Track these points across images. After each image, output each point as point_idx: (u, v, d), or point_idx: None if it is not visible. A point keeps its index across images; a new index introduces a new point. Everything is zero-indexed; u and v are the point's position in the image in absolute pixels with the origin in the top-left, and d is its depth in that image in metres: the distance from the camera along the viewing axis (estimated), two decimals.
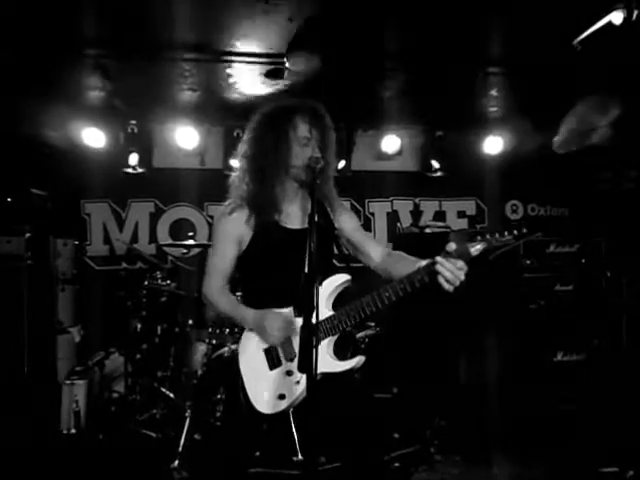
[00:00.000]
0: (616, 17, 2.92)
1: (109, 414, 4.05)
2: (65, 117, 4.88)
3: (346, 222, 2.18)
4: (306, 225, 1.76)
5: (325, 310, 1.96)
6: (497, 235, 1.79)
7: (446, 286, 1.77)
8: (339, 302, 1.99)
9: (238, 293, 2.31)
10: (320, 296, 1.84)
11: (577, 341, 4.41)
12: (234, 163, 5.04)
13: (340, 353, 1.96)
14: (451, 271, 1.74)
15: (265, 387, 1.96)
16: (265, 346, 2.00)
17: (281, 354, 1.97)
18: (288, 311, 1.99)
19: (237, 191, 2.09)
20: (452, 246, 1.77)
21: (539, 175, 5.67)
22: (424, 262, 1.84)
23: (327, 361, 1.90)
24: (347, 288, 2.02)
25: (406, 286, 1.80)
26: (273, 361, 1.98)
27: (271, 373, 1.97)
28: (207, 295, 2.15)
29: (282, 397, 1.92)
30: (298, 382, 1.91)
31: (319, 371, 1.58)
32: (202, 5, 3.46)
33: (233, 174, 2.15)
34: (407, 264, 1.92)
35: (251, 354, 2.02)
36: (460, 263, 1.76)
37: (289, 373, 1.94)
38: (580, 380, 4.36)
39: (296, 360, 1.87)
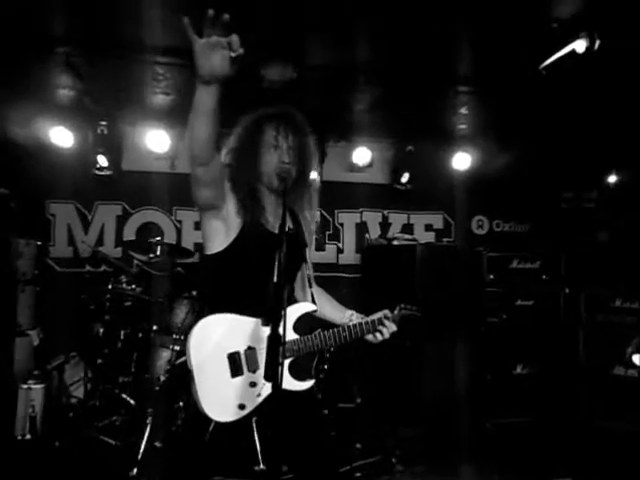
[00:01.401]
0: (579, 45, 3.04)
1: (67, 420, 3.95)
2: (33, 115, 4.78)
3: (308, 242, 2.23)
4: (276, 231, 1.78)
5: (290, 332, 2.00)
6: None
7: (373, 341, 2.14)
8: (301, 326, 2.05)
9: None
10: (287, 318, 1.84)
11: (536, 354, 4.54)
12: None
13: (296, 373, 1.99)
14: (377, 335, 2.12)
15: (222, 394, 1.90)
16: (229, 351, 1.93)
17: (244, 364, 1.93)
18: (256, 321, 1.96)
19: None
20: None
21: (505, 192, 5.82)
22: (349, 312, 2.22)
23: (285, 378, 1.89)
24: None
25: (359, 334, 2.10)
26: (236, 368, 1.92)
27: (233, 380, 1.92)
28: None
29: (242, 407, 1.90)
30: (259, 395, 1.92)
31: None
32: (176, 8, 3.46)
33: None
34: (334, 310, 2.25)
35: (210, 358, 1.92)
36: (391, 326, 2.12)
37: (252, 384, 1.92)
38: (537, 392, 4.48)
39: (259, 372, 1.89)
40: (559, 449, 3.98)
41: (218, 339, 1.95)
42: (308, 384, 2.00)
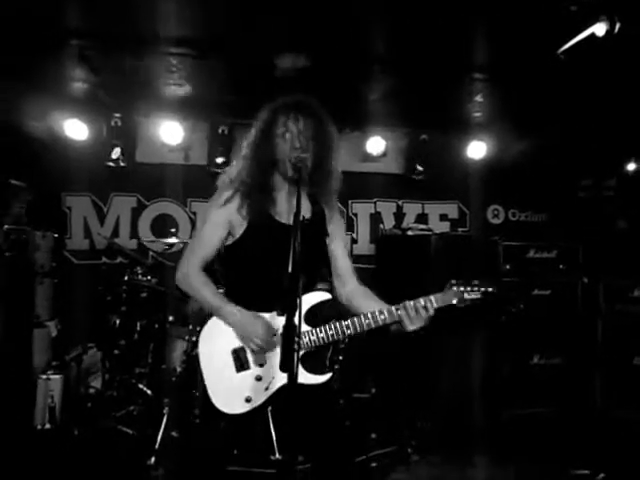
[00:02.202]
0: (599, 29, 2.97)
1: (85, 410, 3.99)
2: (48, 108, 4.81)
3: (335, 237, 2.19)
4: (290, 222, 1.79)
5: (302, 324, 1.96)
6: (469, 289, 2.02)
7: (409, 328, 1.96)
8: (314, 316, 1.99)
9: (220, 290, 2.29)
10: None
11: (553, 345, 4.49)
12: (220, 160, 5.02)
13: (311, 367, 1.96)
14: (413, 314, 1.96)
15: (229, 388, 1.94)
16: (234, 347, 1.97)
17: (250, 358, 1.96)
18: (270, 316, 1.98)
19: (232, 184, 2.08)
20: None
21: (521, 181, 5.75)
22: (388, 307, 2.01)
23: (300, 373, 1.90)
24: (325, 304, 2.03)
25: (385, 321, 1.96)
26: (241, 363, 1.96)
27: (238, 375, 1.95)
28: (182, 277, 2.04)
29: (248, 400, 1.92)
30: (267, 388, 1.93)
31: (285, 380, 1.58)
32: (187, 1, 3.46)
33: (229, 170, 2.15)
34: (372, 304, 2.07)
35: (216, 352, 1.98)
36: (429, 313, 1.97)
37: (258, 378, 1.94)
38: (555, 383, 4.43)
39: (266, 366, 1.93)
40: (577, 440, 3.95)
41: (225, 334, 1.99)
42: (323, 378, 1.97)
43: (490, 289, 2.04)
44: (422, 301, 1.97)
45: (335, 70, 4.27)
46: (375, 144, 5.39)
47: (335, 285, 2.18)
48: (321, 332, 1.96)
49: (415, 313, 1.94)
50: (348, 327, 1.96)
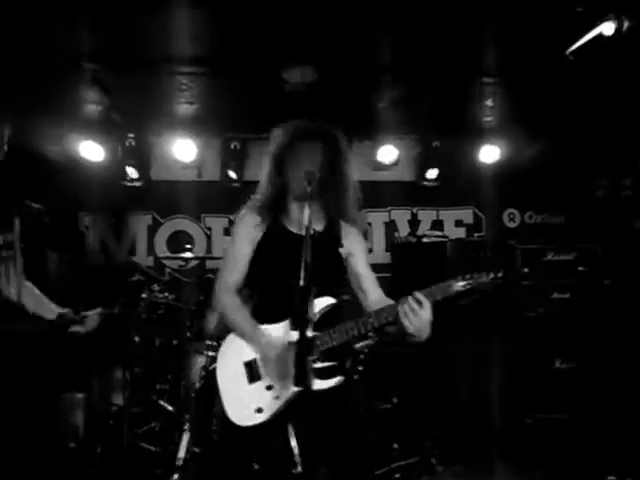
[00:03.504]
0: (607, 28, 2.95)
1: (108, 427, 4.03)
2: (63, 130, 4.91)
3: (355, 251, 2.21)
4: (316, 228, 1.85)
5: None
6: (476, 276, 1.90)
7: (409, 327, 1.84)
8: (318, 322, 1.97)
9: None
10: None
11: (575, 349, 4.41)
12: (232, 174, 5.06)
13: (318, 372, 1.93)
14: (409, 314, 1.83)
15: (241, 399, 1.97)
16: (246, 359, 2.01)
17: (262, 369, 1.99)
18: (283, 325, 2.00)
19: (252, 201, 2.21)
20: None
21: (536, 183, 5.69)
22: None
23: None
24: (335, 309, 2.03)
25: (388, 317, 1.88)
26: (252, 375, 1.99)
27: (249, 387, 1.98)
28: (216, 300, 2.16)
29: (260, 410, 1.94)
30: (277, 397, 1.93)
31: (297, 388, 1.58)
32: (198, 20, 3.51)
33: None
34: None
35: (230, 365, 2.04)
36: (425, 304, 1.83)
37: (269, 388, 1.96)
38: (578, 388, 4.35)
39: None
40: (601, 445, 3.86)
41: (239, 347, 2.04)
42: (332, 382, 1.94)
43: (482, 279, 1.94)
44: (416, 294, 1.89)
45: (344, 81, 4.29)
46: (387, 152, 5.39)
47: (360, 299, 2.20)
48: (325, 336, 1.95)
49: (410, 308, 1.85)
50: (352, 328, 1.94)
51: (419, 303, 1.84)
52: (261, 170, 2.23)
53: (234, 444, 2.01)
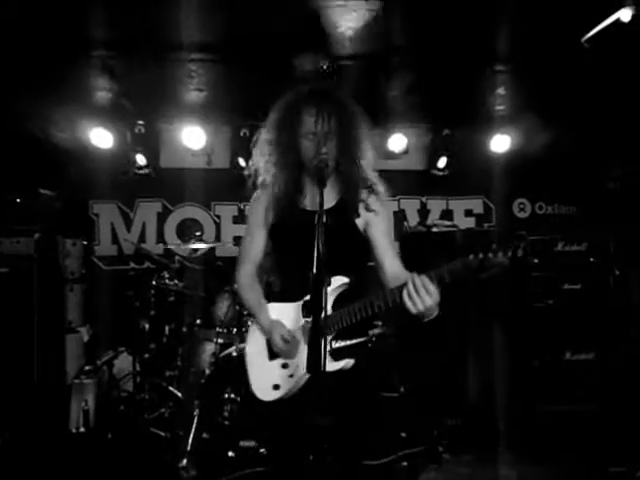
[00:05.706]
0: (625, 14, 2.89)
1: (118, 413, 4.06)
2: (73, 118, 4.92)
3: (372, 218, 2.05)
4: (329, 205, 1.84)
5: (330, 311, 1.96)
6: (490, 255, 1.79)
7: (412, 309, 1.75)
8: (338, 302, 1.94)
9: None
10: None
11: (585, 340, 4.38)
12: (242, 162, 5.02)
13: (331, 353, 1.91)
14: (413, 294, 1.74)
15: (262, 375, 2.03)
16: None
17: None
18: (296, 305, 2.00)
19: (262, 184, 2.13)
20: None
21: (547, 173, 5.63)
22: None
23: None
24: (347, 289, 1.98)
25: (396, 298, 1.79)
26: (273, 352, 2.01)
27: (270, 363, 2.01)
28: (238, 282, 2.20)
29: (276, 387, 1.97)
30: (291, 376, 1.95)
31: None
32: (207, 7, 3.49)
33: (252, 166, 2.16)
34: None
35: (257, 342, 2.08)
36: (430, 287, 1.75)
37: (284, 366, 1.98)
38: (589, 379, 4.33)
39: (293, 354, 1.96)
40: (612, 437, 3.85)
41: None
42: (341, 364, 1.91)
43: (493, 258, 1.81)
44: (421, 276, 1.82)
45: (355, 67, 4.26)
46: (397, 141, 5.34)
47: (379, 273, 2.07)
48: (335, 317, 1.89)
49: (414, 290, 1.76)
50: (359, 309, 1.86)
51: (424, 285, 1.76)
52: (262, 144, 2.10)
53: (255, 418, 2.05)
